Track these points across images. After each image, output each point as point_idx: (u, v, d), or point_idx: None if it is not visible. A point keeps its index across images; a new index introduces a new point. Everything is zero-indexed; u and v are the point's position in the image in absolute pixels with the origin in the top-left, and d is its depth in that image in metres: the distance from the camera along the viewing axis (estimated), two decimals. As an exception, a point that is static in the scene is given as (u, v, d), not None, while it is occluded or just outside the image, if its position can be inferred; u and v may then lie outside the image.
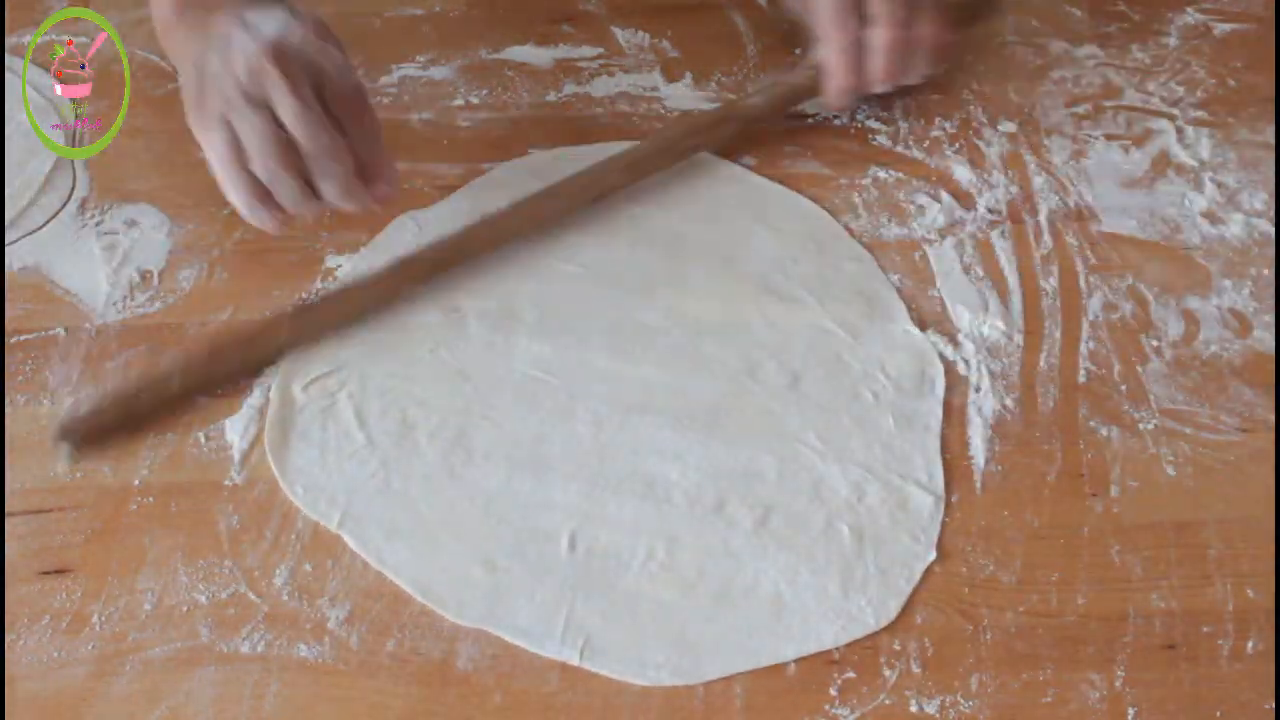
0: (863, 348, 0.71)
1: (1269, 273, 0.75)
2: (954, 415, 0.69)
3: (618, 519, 0.64)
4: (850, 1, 0.77)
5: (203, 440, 0.68)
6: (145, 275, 0.75)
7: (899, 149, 0.82)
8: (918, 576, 0.63)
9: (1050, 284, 0.74)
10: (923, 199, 0.78)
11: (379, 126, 0.70)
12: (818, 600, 0.61)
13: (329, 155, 0.66)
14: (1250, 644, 0.60)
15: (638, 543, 0.63)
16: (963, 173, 0.80)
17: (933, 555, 0.63)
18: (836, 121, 0.83)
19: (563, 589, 0.62)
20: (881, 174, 0.80)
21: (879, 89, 0.79)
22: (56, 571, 0.63)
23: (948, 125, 0.83)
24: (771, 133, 0.82)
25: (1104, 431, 0.68)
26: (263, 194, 0.68)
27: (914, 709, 0.58)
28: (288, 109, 0.66)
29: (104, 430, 0.67)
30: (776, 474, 0.66)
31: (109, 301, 0.74)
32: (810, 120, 0.83)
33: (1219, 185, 0.79)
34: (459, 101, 0.85)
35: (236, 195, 0.68)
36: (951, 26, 0.79)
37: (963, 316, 0.73)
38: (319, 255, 0.76)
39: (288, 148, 0.66)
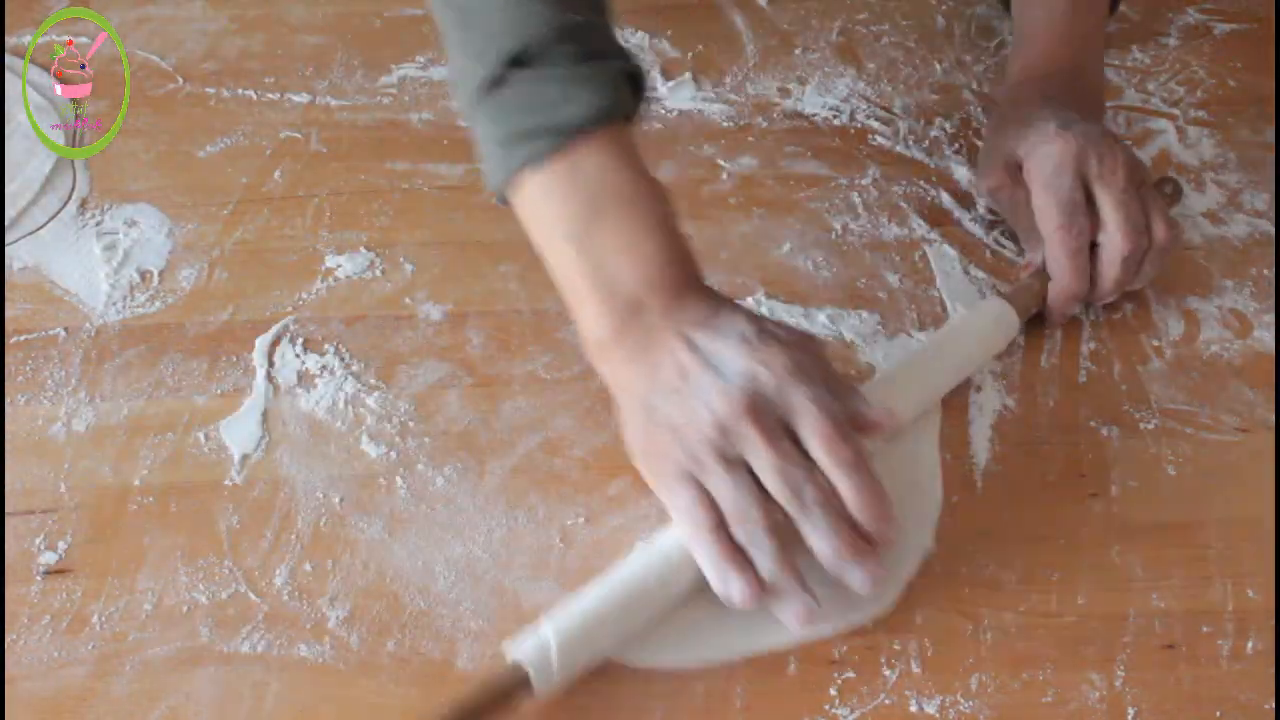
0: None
1: (1269, 273, 0.75)
2: (954, 415, 0.69)
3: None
4: (1079, 198, 0.70)
5: (203, 440, 0.68)
6: (145, 275, 0.75)
7: (899, 149, 0.82)
8: (915, 568, 0.63)
9: (1050, 284, 0.74)
10: (923, 199, 0.78)
11: (866, 461, 0.60)
12: (817, 587, 0.60)
13: (817, 504, 0.58)
14: (1250, 644, 0.60)
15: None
16: (963, 173, 0.80)
17: (930, 545, 0.63)
18: (836, 121, 0.83)
19: None
20: (881, 174, 0.80)
21: (1108, 299, 0.72)
22: (56, 571, 0.63)
23: (948, 125, 0.83)
24: (771, 132, 0.82)
25: (1104, 431, 0.68)
26: (740, 560, 0.59)
27: (914, 709, 0.58)
28: (766, 466, 0.59)
29: None
30: None
31: (109, 301, 0.74)
32: (809, 120, 0.83)
33: (1220, 185, 0.79)
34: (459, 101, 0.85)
35: (709, 562, 0.59)
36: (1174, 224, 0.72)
37: (963, 316, 0.73)
38: (320, 255, 0.76)
39: (768, 508, 0.59)
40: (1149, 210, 0.71)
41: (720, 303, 0.63)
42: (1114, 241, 0.70)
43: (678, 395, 0.60)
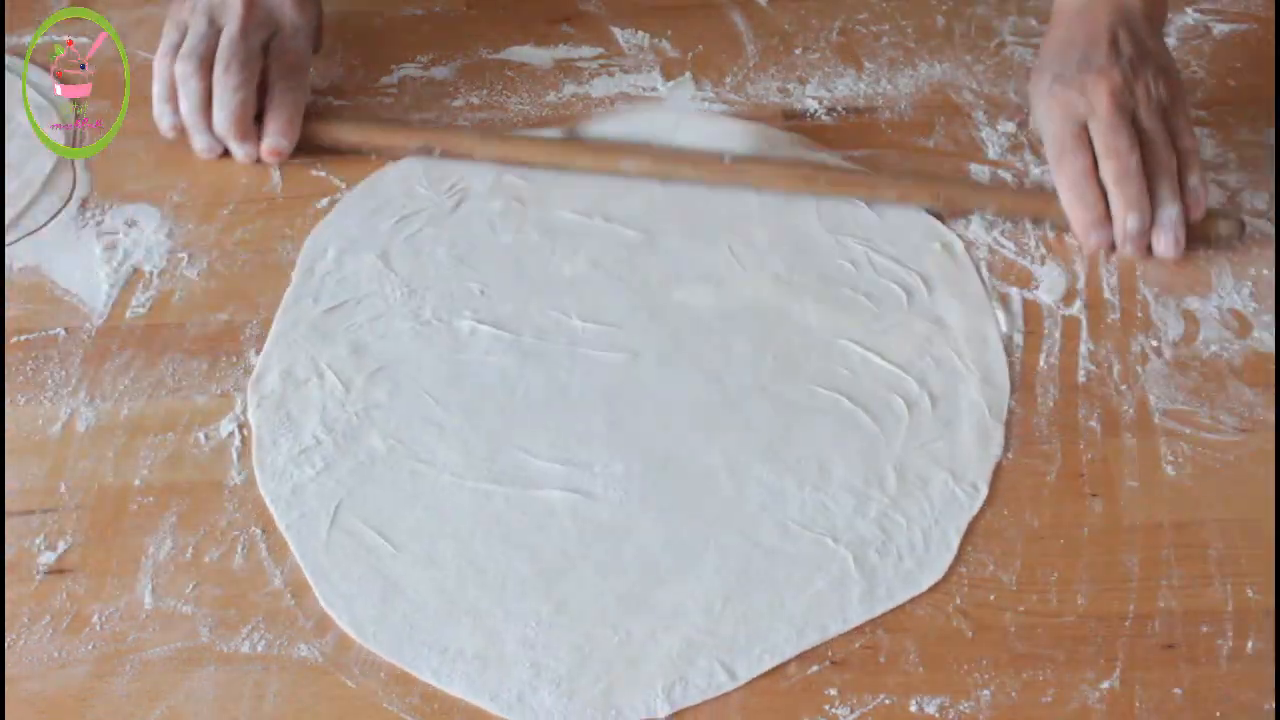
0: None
1: (1269, 273, 0.75)
2: (954, 415, 0.69)
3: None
4: (1091, 174, 0.74)
5: (203, 440, 0.68)
6: (145, 275, 0.75)
7: (899, 149, 0.82)
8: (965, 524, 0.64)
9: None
10: (923, 199, 0.78)
11: (303, 94, 0.80)
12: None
13: (234, 88, 0.76)
14: (1250, 644, 0.60)
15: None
16: (962, 173, 0.80)
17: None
18: (836, 121, 0.83)
19: None
20: (881, 174, 0.80)
21: (1144, 239, 0.74)
22: (56, 571, 0.63)
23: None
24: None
25: (1104, 431, 0.68)
26: (173, 94, 0.78)
27: (914, 709, 0.58)
28: (226, 36, 0.77)
29: None
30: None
31: (109, 301, 0.74)
32: (811, 118, 0.83)
33: (1220, 185, 0.79)
34: (459, 102, 0.85)
35: (156, 83, 0.79)
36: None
37: (963, 316, 0.73)
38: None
39: (209, 65, 0.77)
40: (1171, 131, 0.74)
41: None
42: (1125, 218, 0.73)
43: None
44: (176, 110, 0.78)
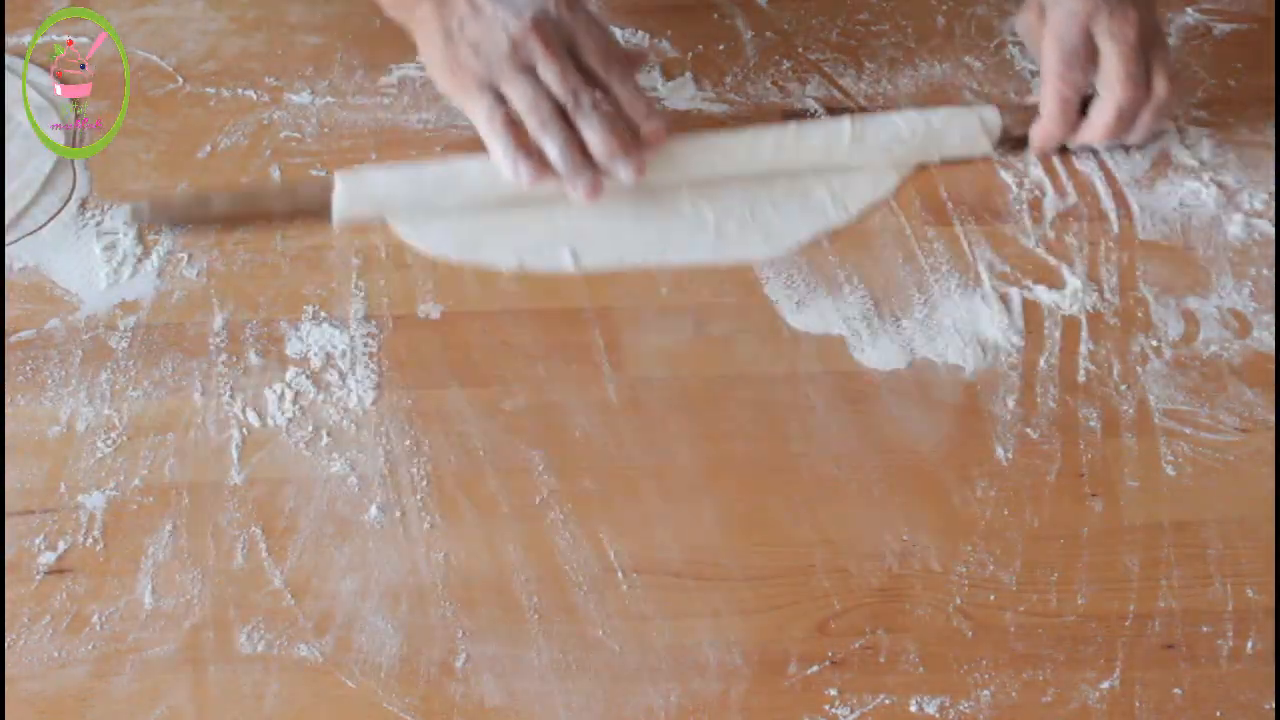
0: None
1: (1269, 273, 0.75)
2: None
3: None
4: (1082, 51, 0.76)
5: (203, 440, 0.68)
6: (145, 275, 0.75)
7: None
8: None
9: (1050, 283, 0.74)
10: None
11: (634, 75, 0.76)
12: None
13: (591, 106, 0.72)
14: (1250, 644, 0.60)
15: None
16: (963, 173, 0.80)
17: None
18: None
19: None
20: (881, 174, 0.80)
21: (1096, 145, 0.78)
22: (56, 571, 0.63)
23: (948, 125, 0.83)
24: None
25: (1104, 431, 0.68)
26: (529, 147, 0.73)
27: (914, 709, 0.58)
28: (552, 74, 0.72)
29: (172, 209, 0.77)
30: None
31: (109, 301, 0.74)
32: (811, 118, 0.83)
33: (1219, 185, 0.79)
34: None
35: (502, 149, 0.73)
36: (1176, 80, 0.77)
37: (963, 316, 0.73)
38: (321, 254, 0.76)
39: (556, 107, 0.73)
40: (1153, 67, 0.76)
41: None
42: (1111, 90, 0.76)
43: (474, 20, 0.73)
44: (538, 158, 0.73)
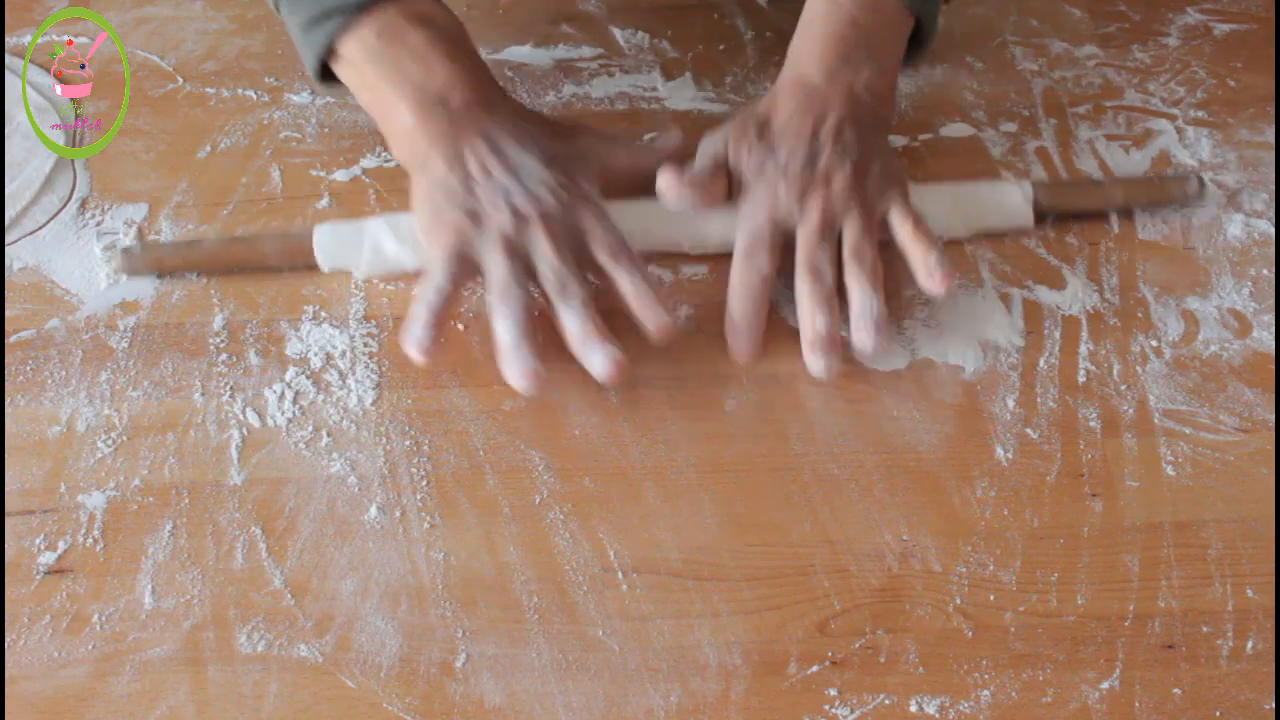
0: None
1: (1269, 273, 0.75)
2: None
3: None
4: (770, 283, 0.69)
5: (203, 440, 0.68)
6: (145, 275, 0.75)
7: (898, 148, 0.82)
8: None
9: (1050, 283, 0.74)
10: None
11: (645, 270, 0.68)
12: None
13: (578, 300, 0.67)
14: (1250, 644, 0.60)
15: None
16: (963, 173, 0.80)
17: None
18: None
19: None
20: (881, 174, 0.80)
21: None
22: (56, 571, 0.63)
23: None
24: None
25: (1104, 431, 0.68)
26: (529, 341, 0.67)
27: (914, 709, 0.58)
28: (547, 263, 0.67)
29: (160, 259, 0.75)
30: None
31: (109, 301, 0.74)
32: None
33: (1219, 185, 0.79)
34: (459, 101, 0.85)
35: (430, 322, 0.67)
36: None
37: (963, 316, 0.73)
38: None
39: (529, 297, 0.67)
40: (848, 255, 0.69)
41: (528, 115, 0.73)
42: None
43: (481, 187, 0.69)
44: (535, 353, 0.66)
